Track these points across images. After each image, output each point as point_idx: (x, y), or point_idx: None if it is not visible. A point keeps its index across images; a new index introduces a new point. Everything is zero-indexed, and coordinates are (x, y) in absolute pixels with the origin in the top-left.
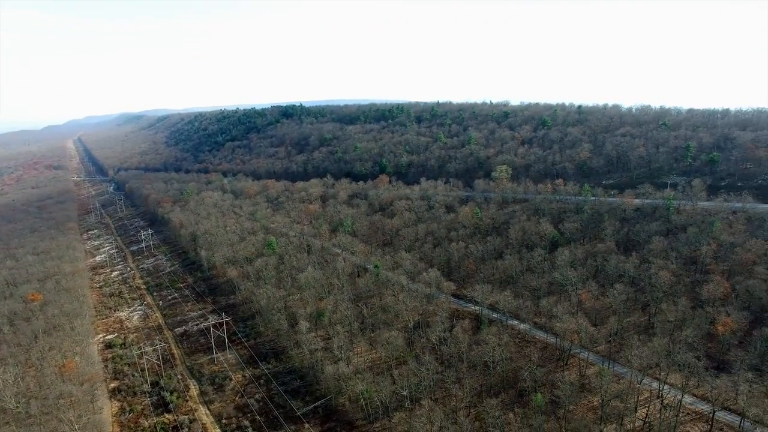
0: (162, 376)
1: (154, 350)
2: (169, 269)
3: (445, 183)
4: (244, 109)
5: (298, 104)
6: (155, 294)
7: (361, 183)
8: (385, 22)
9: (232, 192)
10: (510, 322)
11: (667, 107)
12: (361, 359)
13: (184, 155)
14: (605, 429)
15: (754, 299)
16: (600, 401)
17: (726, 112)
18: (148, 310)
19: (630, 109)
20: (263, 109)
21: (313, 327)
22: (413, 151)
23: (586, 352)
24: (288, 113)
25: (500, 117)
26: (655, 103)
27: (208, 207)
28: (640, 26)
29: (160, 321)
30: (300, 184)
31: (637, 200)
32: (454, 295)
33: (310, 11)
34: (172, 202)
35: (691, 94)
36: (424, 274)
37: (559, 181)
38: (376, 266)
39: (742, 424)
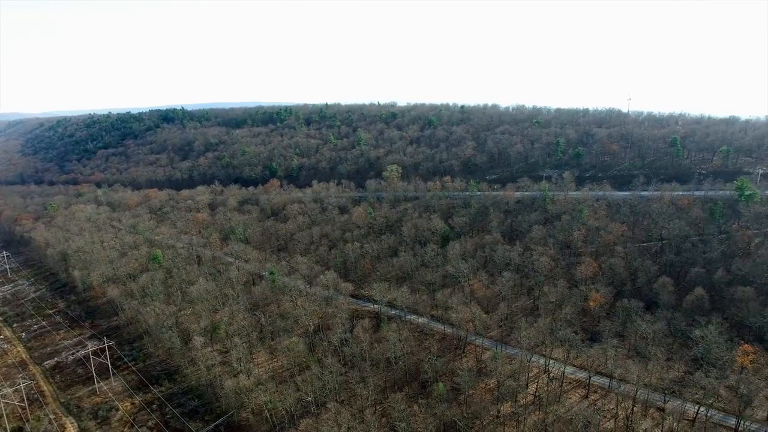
0: (28, 420)
1: (15, 391)
2: (33, 295)
3: (337, 184)
4: (118, 114)
5: (179, 108)
6: (15, 325)
7: (251, 188)
8: (266, 22)
9: (109, 204)
10: (408, 317)
11: (539, 107)
12: (263, 369)
13: (46, 165)
14: (502, 407)
15: (616, 275)
16: (496, 383)
17: (586, 112)
18: (5, 345)
19: (507, 109)
20: (140, 114)
21: (209, 341)
22: (304, 154)
23: (481, 339)
24: (168, 118)
25: (388, 117)
26: (540, 103)
27: (80, 222)
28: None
29: (24, 355)
30: (186, 193)
31: (517, 193)
32: (353, 296)
33: (186, 10)
34: (33, 219)
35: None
36: (321, 276)
37: (447, 178)
38: (271, 273)
39: (610, 384)
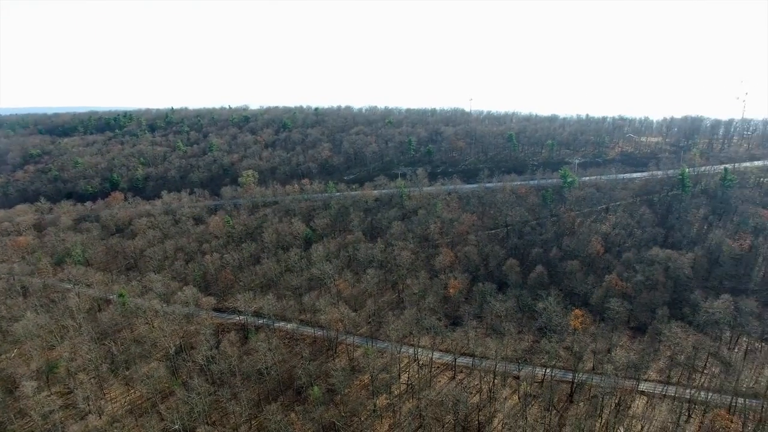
0: None
1: None
2: None
3: (190, 194)
4: None
5: None
6: None
7: (89, 204)
8: (97, 21)
9: None
10: (277, 324)
11: (390, 107)
12: (118, 404)
13: None
14: (377, 401)
15: (470, 262)
16: (370, 378)
17: (434, 111)
18: None
19: (361, 110)
20: None
21: (45, 385)
22: (150, 163)
23: (352, 337)
24: None
25: (241, 121)
26: (386, 104)
27: None
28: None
29: None
30: (1, 213)
31: (375, 191)
32: (216, 309)
33: None
34: None
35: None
36: (180, 293)
37: (305, 180)
38: (121, 295)
39: (473, 362)
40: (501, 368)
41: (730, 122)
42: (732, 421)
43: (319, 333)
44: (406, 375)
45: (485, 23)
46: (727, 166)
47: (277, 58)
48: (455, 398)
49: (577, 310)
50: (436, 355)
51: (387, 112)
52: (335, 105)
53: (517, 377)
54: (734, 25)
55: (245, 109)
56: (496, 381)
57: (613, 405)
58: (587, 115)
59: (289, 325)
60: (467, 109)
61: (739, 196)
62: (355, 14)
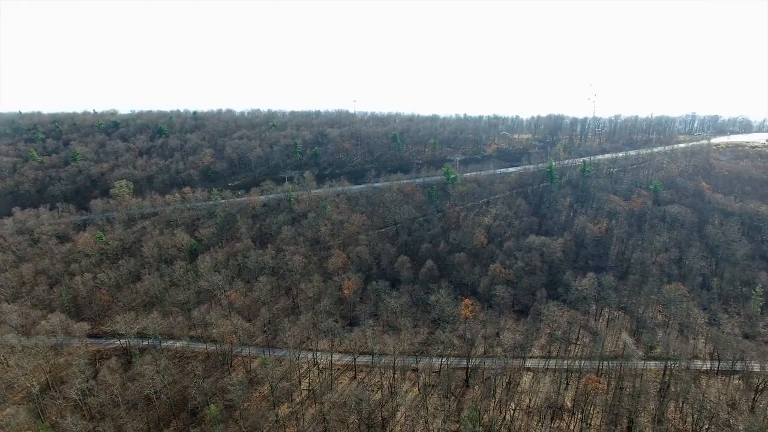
0: None
1: None
2: None
3: (50, 209)
4: None
5: None
6: None
7: None
8: None
9: None
10: (164, 344)
11: (274, 110)
12: None
13: None
14: (279, 410)
15: (363, 262)
16: (269, 388)
17: (318, 114)
18: None
19: (243, 113)
20: None
21: None
22: None
23: (248, 348)
24: None
25: (109, 127)
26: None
27: None
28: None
29: None
30: None
31: (262, 197)
32: (92, 335)
33: None
34: None
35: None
36: (43, 322)
37: (187, 189)
38: None
39: (372, 360)
40: (400, 363)
41: (584, 120)
42: (600, 382)
43: (212, 348)
44: (307, 380)
45: (363, 25)
46: (585, 158)
47: (150, 60)
48: (357, 398)
49: (466, 300)
50: (336, 357)
51: (270, 115)
52: (215, 108)
53: (415, 370)
54: (586, 32)
55: (114, 113)
56: (396, 376)
57: (505, 384)
58: (465, 114)
59: (178, 344)
60: (352, 111)
61: (596, 185)
62: (233, 15)
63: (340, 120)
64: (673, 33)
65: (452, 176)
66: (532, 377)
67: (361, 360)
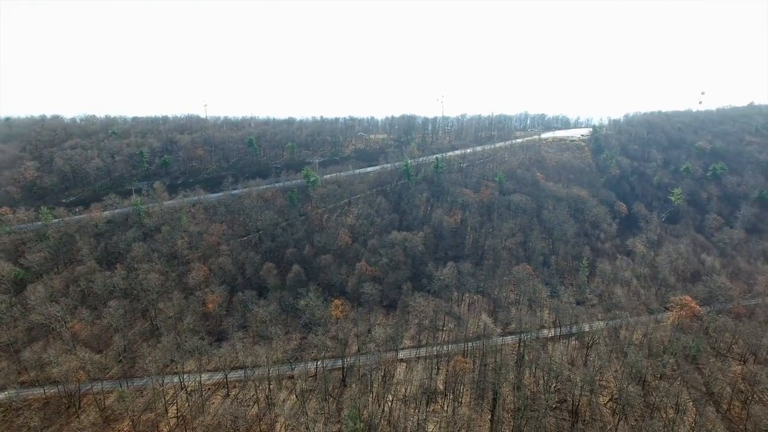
0: None
1: None
2: None
3: None
4: None
5: None
6: None
7: None
8: None
9: None
10: None
11: (112, 116)
12: None
13: None
14: None
15: (226, 273)
16: (130, 423)
17: (166, 119)
18: None
19: (75, 120)
20: None
21: None
22: None
23: (100, 383)
24: None
25: None
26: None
27: None
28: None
29: None
30: None
31: (106, 212)
32: None
33: None
34: None
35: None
36: None
37: (5, 209)
38: None
39: (245, 374)
40: (274, 372)
41: (435, 120)
42: (466, 363)
43: (53, 390)
44: (175, 407)
45: (207, 25)
46: (437, 155)
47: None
48: (233, 416)
49: (336, 301)
50: (205, 376)
51: (109, 122)
52: (36, 114)
53: (291, 377)
54: (431, 35)
55: None
56: (271, 386)
57: (380, 378)
58: (322, 116)
59: (2, 394)
60: (203, 116)
61: (449, 179)
62: (47, 8)
63: (191, 126)
64: (503, 38)
65: (312, 179)
66: (406, 367)
67: (234, 375)
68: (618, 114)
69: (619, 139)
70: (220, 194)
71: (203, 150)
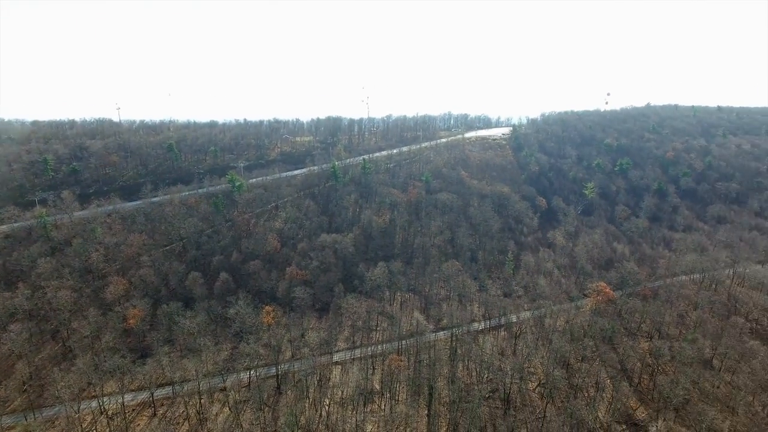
0: None
1: None
2: None
3: None
4: None
5: None
6: None
7: None
8: None
9: None
10: None
11: (8, 119)
12: None
13: None
14: None
15: (148, 285)
16: None
17: (73, 123)
18: None
19: None
20: None
21: None
22: None
23: None
24: None
25: None
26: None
27: None
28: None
29: None
30: None
31: (4, 227)
32: None
33: None
34: None
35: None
36: None
37: None
38: None
39: (173, 390)
40: (205, 386)
41: (360, 121)
42: (401, 360)
43: None
44: None
45: (113, 24)
46: (364, 156)
47: None
48: None
49: (267, 307)
50: (128, 397)
51: (4, 126)
52: None
53: (224, 389)
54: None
55: None
56: (202, 401)
57: (316, 382)
58: (245, 119)
59: None
60: (116, 119)
61: (376, 180)
62: None
63: (103, 130)
64: (425, 39)
65: (238, 183)
66: (341, 369)
67: (161, 393)
68: (535, 113)
69: (537, 137)
70: (139, 202)
71: (118, 156)
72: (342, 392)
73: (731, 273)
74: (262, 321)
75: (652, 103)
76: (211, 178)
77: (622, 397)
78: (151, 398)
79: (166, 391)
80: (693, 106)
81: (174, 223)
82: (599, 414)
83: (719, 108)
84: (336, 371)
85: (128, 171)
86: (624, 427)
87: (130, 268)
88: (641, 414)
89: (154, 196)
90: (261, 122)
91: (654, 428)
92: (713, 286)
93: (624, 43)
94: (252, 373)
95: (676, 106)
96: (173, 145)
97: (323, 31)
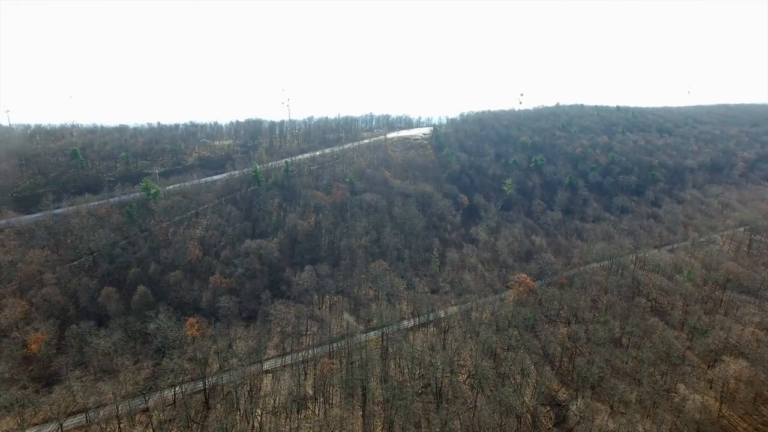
0: None
1: None
2: None
3: None
4: None
5: None
6: None
7: None
8: None
9: None
10: None
11: None
12: None
13: None
14: None
15: (53, 305)
16: None
17: None
18: None
19: None
20: None
21: None
22: None
23: None
24: None
25: None
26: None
27: None
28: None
29: None
30: None
31: None
32: None
33: None
34: None
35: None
36: None
37: None
38: None
39: (87, 418)
40: (125, 409)
41: (282, 123)
42: (333, 363)
43: None
44: None
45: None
46: (287, 159)
47: None
48: None
49: (191, 319)
50: (32, 431)
51: None
52: None
53: (146, 410)
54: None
55: None
56: (122, 425)
57: (247, 393)
58: (159, 123)
59: None
60: (5, 123)
61: (300, 183)
62: None
63: None
64: (344, 40)
65: (153, 191)
66: (272, 377)
67: (72, 422)
68: (454, 113)
69: (456, 136)
70: (38, 215)
71: (9, 164)
72: (274, 401)
73: (634, 258)
74: (185, 334)
75: (561, 103)
76: (123, 186)
77: (545, 381)
78: (59, 430)
79: (79, 419)
80: (596, 106)
81: (82, 236)
82: (525, 399)
83: (618, 108)
84: (267, 380)
85: (24, 180)
86: (548, 408)
87: (30, 287)
88: (563, 395)
89: (57, 208)
90: (177, 126)
91: (574, 406)
92: (620, 270)
93: (535, 45)
94: (177, 389)
95: (581, 106)
96: (78, 152)
97: (239, 31)
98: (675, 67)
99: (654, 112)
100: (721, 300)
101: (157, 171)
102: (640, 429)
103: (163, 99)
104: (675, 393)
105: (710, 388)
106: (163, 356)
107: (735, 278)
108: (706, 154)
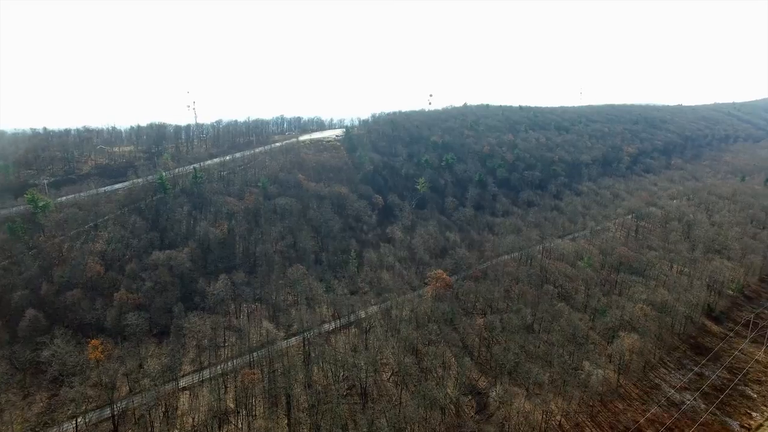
0: None
1: None
2: None
3: None
4: None
5: None
6: None
7: None
8: None
9: None
10: None
11: None
12: None
13: None
14: None
15: None
16: None
17: None
18: None
19: None
20: None
21: None
22: None
23: None
24: None
25: None
26: None
27: None
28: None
29: None
30: None
31: None
32: None
33: None
34: None
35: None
36: None
37: None
38: None
39: None
40: None
41: (188, 127)
42: (254, 374)
43: None
44: None
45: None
46: (195, 165)
47: None
48: None
49: (93, 341)
50: None
51: None
52: None
53: None
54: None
55: None
56: None
57: (162, 414)
58: (45, 128)
59: None
60: None
61: (210, 189)
62: None
63: None
64: (250, 41)
65: (42, 203)
66: (190, 394)
67: None
68: (366, 114)
69: (369, 137)
70: None
71: None
72: (193, 419)
73: (541, 248)
74: (88, 358)
75: (469, 103)
76: (2, 200)
77: (465, 371)
78: None
79: None
80: (501, 106)
81: None
82: (448, 390)
83: (521, 107)
84: (184, 398)
85: None
86: (470, 397)
87: None
88: (483, 383)
89: None
90: (67, 131)
91: (494, 393)
92: (529, 261)
93: (442, 46)
94: (79, 420)
95: (487, 106)
96: None
97: (135, 30)
98: (568, 69)
99: (552, 111)
100: (616, 282)
101: (45, 181)
102: (553, 407)
103: (49, 101)
104: (581, 370)
105: (609, 362)
106: (61, 385)
107: (626, 261)
108: (598, 150)
